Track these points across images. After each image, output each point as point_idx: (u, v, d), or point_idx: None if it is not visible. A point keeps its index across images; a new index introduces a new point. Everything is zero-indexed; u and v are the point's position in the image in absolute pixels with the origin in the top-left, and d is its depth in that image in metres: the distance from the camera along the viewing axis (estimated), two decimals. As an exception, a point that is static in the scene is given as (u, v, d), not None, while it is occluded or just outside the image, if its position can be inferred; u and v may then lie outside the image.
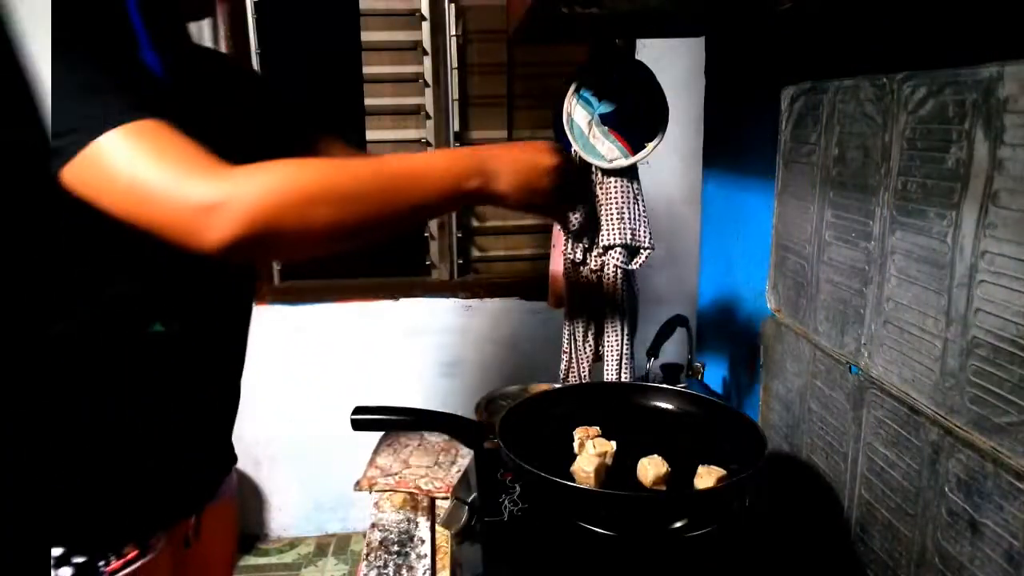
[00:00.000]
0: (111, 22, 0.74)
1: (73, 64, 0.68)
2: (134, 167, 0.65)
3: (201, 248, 0.66)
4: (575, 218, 0.97)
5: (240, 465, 1.09)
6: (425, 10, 2.19)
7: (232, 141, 0.73)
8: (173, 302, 0.84)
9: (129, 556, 0.83)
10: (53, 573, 0.79)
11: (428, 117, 2.26)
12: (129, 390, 0.82)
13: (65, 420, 0.79)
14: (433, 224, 2.28)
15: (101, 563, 0.81)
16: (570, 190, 0.88)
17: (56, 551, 0.79)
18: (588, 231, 1.43)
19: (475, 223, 2.34)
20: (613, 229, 1.53)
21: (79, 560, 0.80)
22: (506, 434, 0.92)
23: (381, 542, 1.08)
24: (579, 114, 1.47)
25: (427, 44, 2.21)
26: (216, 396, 0.95)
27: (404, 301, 2.35)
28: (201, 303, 0.88)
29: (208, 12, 0.90)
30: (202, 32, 1.94)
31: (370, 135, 2.25)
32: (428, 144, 2.29)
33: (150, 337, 0.82)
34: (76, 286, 0.77)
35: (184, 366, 0.87)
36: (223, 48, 2.05)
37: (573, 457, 0.91)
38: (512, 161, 0.82)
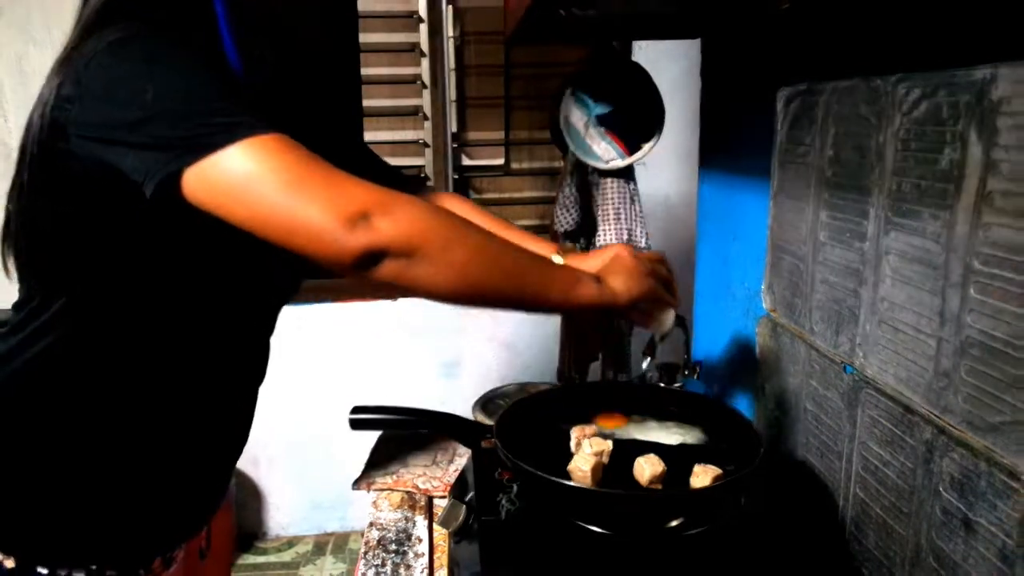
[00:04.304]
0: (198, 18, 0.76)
1: (188, 66, 0.68)
2: (273, 182, 0.64)
3: (339, 255, 0.65)
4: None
5: (239, 464, 1.10)
6: (423, 12, 2.19)
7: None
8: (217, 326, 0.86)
9: (156, 570, 0.86)
10: None
11: (426, 118, 2.27)
12: (171, 413, 0.84)
13: (114, 441, 0.80)
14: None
15: None
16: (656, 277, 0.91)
17: (91, 567, 0.80)
18: (585, 231, 1.43)
19: (473, 223, 2.34)
20: (609, 229, 1.53)
21: (111, 574, 0.81)
22: (503, 433, 0.93)
23: (379, 541, 1.08)
24: (576, 115, 1.48)
25: (425, 46, 2.22)
26: (244, 409, 0.97)
27: (403, 301, 2.35)
28: (237, 326, 0.90)
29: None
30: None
31: (368, 136, 2.26)
32: (426, 145, 2.29)
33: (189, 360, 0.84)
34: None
35: (218, 384, 0.89)
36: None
37: (570, 456, 0.92)
38: (616, 260, 0.87)
